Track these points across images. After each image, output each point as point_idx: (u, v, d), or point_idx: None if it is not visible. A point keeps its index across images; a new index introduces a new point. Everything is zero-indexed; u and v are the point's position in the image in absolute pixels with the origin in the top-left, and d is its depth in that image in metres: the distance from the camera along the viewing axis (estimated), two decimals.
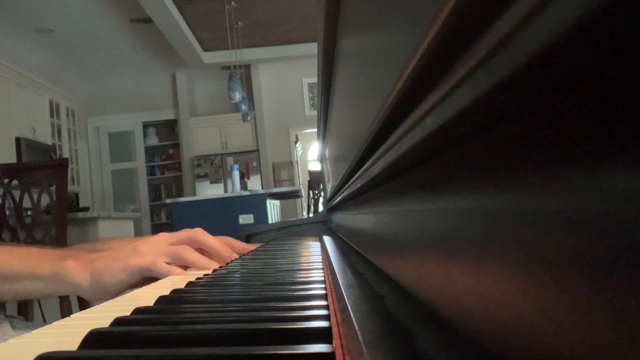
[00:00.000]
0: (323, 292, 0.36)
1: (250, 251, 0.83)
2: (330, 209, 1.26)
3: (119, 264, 0.58)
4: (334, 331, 0.24)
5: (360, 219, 0.54)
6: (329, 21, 0.53)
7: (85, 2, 4.56)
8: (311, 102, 6.53)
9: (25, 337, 0.29)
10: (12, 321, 0.60)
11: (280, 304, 0.33)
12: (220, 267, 0.62)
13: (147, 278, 0.59)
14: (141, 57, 6.10)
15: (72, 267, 0.57)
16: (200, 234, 0.66)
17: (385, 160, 0.28)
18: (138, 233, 6.11)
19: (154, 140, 6.98)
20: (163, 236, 0.64)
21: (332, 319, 0.27)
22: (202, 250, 0.66)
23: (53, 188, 2.17)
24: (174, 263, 0.60)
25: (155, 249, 0.60)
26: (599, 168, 0.09)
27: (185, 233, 0.65)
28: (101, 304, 0.40)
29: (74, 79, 6.25)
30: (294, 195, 4.61)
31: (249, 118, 4.82)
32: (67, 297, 2.14)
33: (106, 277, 0.57)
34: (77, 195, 5.97)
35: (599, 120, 0.09)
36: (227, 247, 0.70)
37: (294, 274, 0.51)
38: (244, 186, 6.12)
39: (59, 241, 2.14)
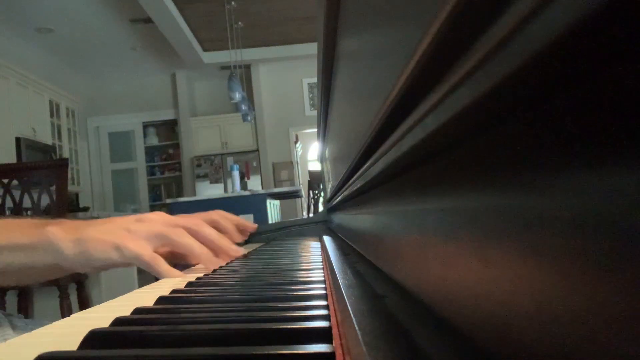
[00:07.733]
0: (323, 292, 0.36)
1: (251, 251, 0.83)
2: (330, 209, 1.26)
3: (111, 240, 0.53)
4: (334, 331, 0.24)
5: (361, 219, 0.54)
6: (329, 21, 0.53)
7: (85, 2, 4.56)
8: (311, 102, 6.53)
9: (26, 337, 0.29)
10: (11, 320, 0.59)
11: (280, 304, 0.33)
12: (220, 267, 0.62)
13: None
14: (141, 57, 6.09)
15: (54, 232, 0.53)
16: (201, 226, 0.61)
17: (385, 160, 0.28)
18: None
19: (154, 140, 6.98)
20: (160, 216, 0.59)
21: (332, 319, 0.27)
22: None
23: (53, 188, 2.17)
24: (167, 246, 0.57)
25: (151, 228, 0.56)
26: (598, 167, 0.09)
27: (184, 220, 0.61)
28: (101, 304, 0.39)
29: (74, 79, 6.24)
30: (294, 195, 4.61)
31: (249, 118, 4.82)
32: (67, 297, 2.14)
33: (93, 250, 0.53)
34: (77, 195, 5.97)
35: (598, 120, 0.09)
36: (227, 240, 0.64)
37: (294, 274, 0.50)
38: (244, 186, 6.13)
39: None
